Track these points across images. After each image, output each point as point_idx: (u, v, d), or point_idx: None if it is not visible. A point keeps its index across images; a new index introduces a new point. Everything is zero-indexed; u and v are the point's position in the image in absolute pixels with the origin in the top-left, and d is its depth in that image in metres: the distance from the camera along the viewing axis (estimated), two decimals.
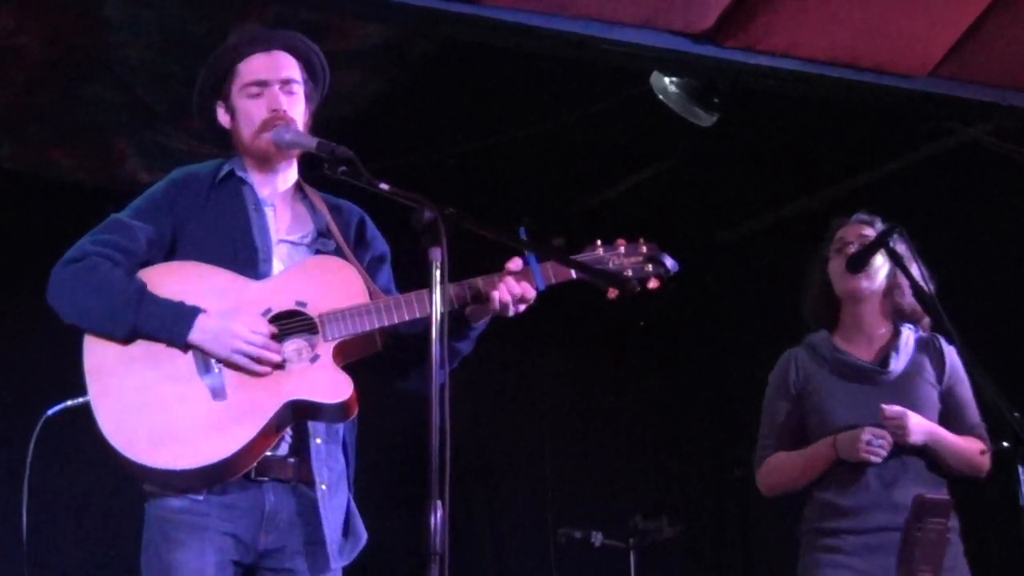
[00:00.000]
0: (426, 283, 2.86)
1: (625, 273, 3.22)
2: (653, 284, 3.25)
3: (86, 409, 3.14)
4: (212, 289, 3.19)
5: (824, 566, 4.02)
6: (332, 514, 3.23)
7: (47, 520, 5.12)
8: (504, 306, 3.18)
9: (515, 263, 3.21)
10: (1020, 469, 3.55)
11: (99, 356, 3.14)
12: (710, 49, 4.77)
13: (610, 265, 3.23)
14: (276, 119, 3.32)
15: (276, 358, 3.13)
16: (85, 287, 3.16)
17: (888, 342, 4.17)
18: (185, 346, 3.14)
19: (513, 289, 3.17)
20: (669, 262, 3.25)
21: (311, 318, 3.18)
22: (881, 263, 4.10)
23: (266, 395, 3.10)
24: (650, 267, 3.24)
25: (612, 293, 3.21)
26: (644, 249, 3.26)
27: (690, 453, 7.28)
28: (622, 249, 3.26)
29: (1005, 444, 3.57)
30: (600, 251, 3.26)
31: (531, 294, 3.19)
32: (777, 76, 4.91)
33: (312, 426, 3.22)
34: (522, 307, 3.21)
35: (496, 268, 3.23)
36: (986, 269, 5.93)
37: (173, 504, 3.15)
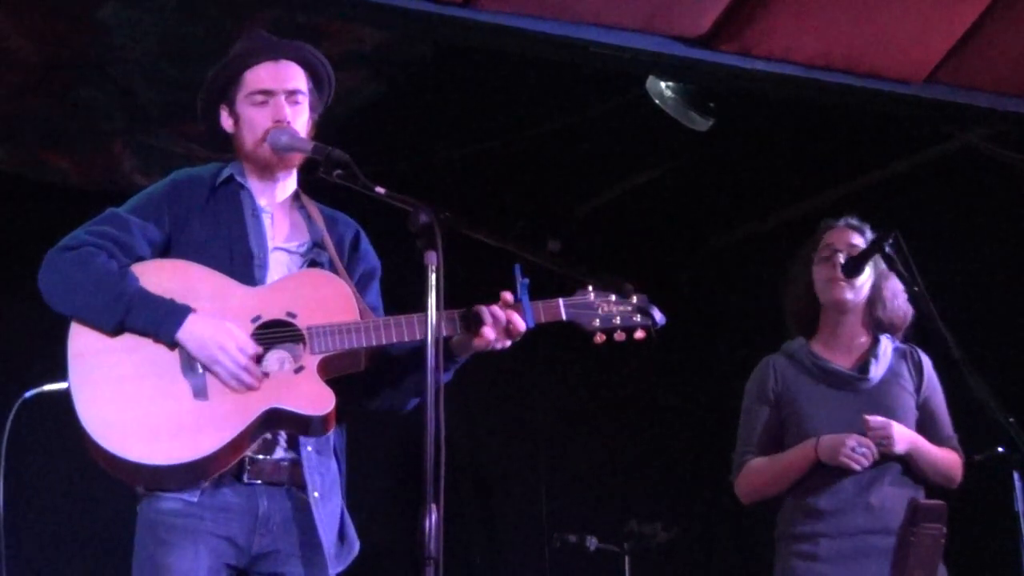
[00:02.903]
0: (420, 288, 2.86)
1: (614, 321, 3.24)
2: (639, 335, 3.27)
3: (65, 394, 3.13)
4: (204, 290, 3.19)
5: (799, 574, 4.02)
6: (327, 520, 3.23)
7: (23, 503, 5.11)
8: (495, 323, 3.17)
9: (506, 296, 3.22)
10: (1015, 475, 3.55)
11: (85, 342, 3.13)
12: (706, 53, 4.78)
13: (600, 311, 3.25)
14: (276, 128, 3.32)
15: (254, 384, 3.12)
16: (79, 276, 3.15)
17: (867, 350, 4.19)
18: (172, 344, 3.13)
19: (498, 316, 3.17)
20: (658, 315, 3.27)
21: (299, 330, 3.17)
22: (866, 275, 4.11)
23: (247, 401, 3.10)
24: (638, 317, 3.26)
25: (599, 338, 3.25)
26: (634, 299, 3.27)
27: (684, 458, 7.29)
28: (612, 297, 3.28)
29: (1000, 449, 3.57)
30: (591, 296, 3.28)
31: (521, 327, 3.19)
32: (773, 81, 4.92)
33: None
34: (509, 342, 3.21)
35: (491, 273, 3.23)
36: (982, 274, 5.93)
37: (166, 506, 3.14)
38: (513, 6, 4.46)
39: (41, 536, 5.73)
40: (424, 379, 2.82)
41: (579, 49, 4.64)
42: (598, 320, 3.24)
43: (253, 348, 3.14)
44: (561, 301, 3.24)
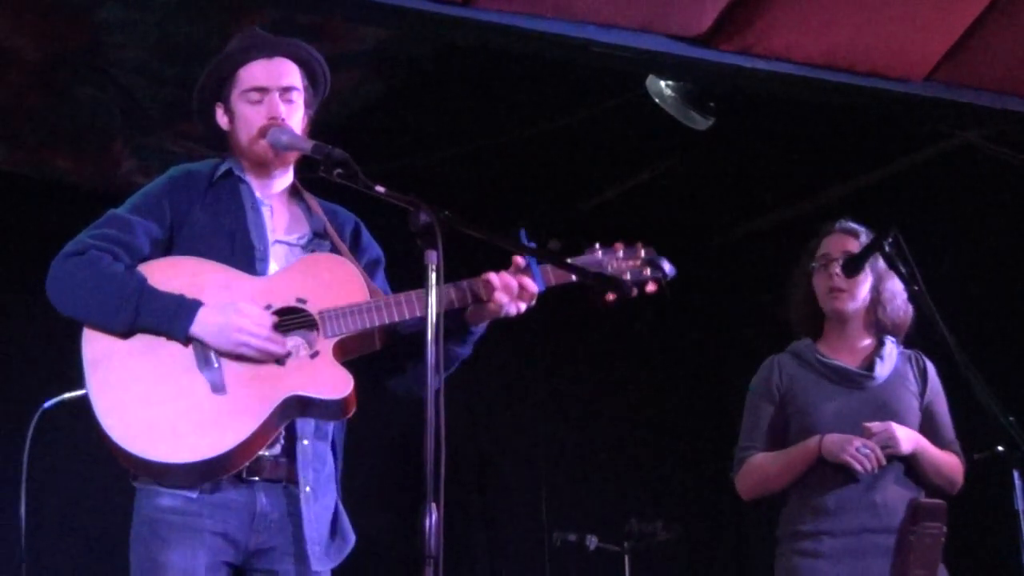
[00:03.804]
0: (422, 286, 2.86)
1: (623, 276, 3.22)
2: (651, 288, 3.25)
3: (83, 402, 3.12)
4: (212, 284, 3.18)
5: (802, 572, 4.02)
6: (317, 516, 3.23)
7: (45, 512, 5.13)
8: (507, 288, 3.16)
9: (518, 260, 3.20)
10: (1015, 474, 3.55)
11: (99, 348, 3.13)
12: (706, 52, 4.78)
13: (608, 269, 3.23)
14: (273, 126, 3.32)
15: (281, 350, 3.13)
16: (85, 281, 3.15)
17: (872, 351, 4.20)
18: (186, 340, 3.12)
19: (509, 282, 3.17)
20: (667, 266, 3.25)
21: (311, 315, 3.17)
22: (864, 278, 4.12)
23: (266, 390, 3.09)
24: (648, 271, 3.25)
25: (610, 297, 3.21)
26: (642, 253, 3.26)
27: (685, 457, 7.29)
28: (620, 252, 3.26)
29: (1000, 448, 3.57)
30: (598, 254, 3.26)
31: (532, 288, 3.18)
32: (773, 80, 4.92)
33: (300, 427, 3.21)
34: (523, 305, 3.21)
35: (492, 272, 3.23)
36: (981, 273, 5.93)
37: (164, 503, 3.14)
38: (513, 5, 4.46)
39: (63, 546, 5.74)
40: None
41: (579, 48, 4.64)
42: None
43: (269, 319, 3.14)
44: (569, 261, 3.22)
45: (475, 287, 3.19)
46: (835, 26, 4.77)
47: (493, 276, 3.18)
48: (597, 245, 3.25)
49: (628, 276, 3.23)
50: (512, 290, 3.17)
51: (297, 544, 3.20)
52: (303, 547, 3.19)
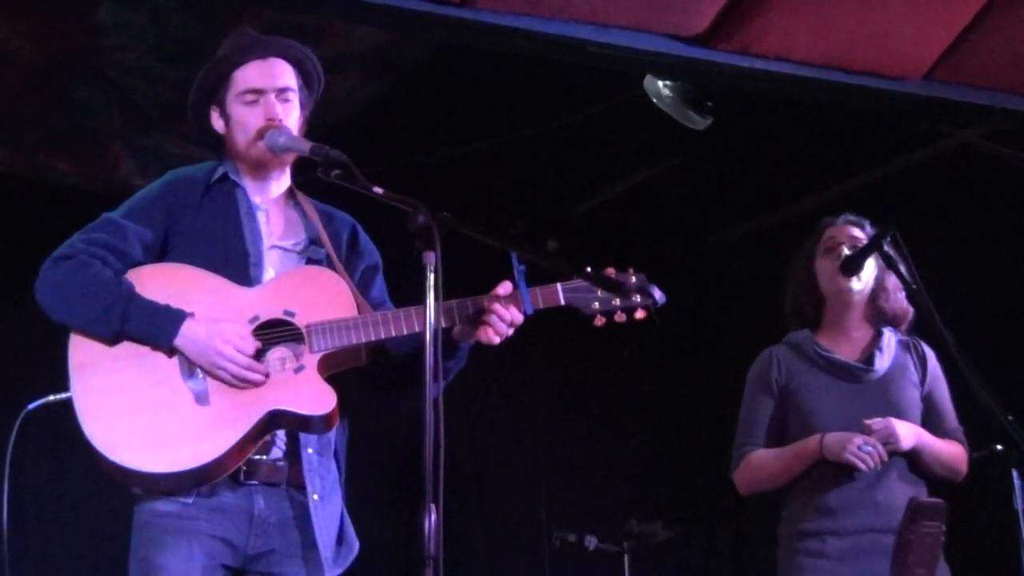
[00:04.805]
0: (420, 288, 2.86)
1: (613, 303, 3.21)
2: (640, 315, 3.24)
3: (68, 404, 3.13)
4: (201, 294, 3.19)
5: (806, 571, 4.02)
6: (326, 523, 3.23)
7: (27, 514, 5.11)
8: (497, 333, 3.17)
9: (504, 287, 3.20)
10: (1014, 472, 3.55)
11: (84, 354, 3.13)
12: (703, 52, 4.78)
13: (598, 294, 3.22)
14: (270, 127, 3.31)
15: (259, 379, 3.12)
16: (74, 286, 3.15)
17: (870, 342, 4.18)
18: (170, 351, 3.13)
19: (503, 315, 3.17)
20: (657, 294, 3.25)
21: (298, 328, 3.17)
22: (870, 267, 4.11)
23: (249, 403, 3.10)
24: (638, 297, 3.24)
25: (599, 321, 3.22)
26: (633, 279, 3.25)
27: (684, 457, 7.29)
28: (611, 278, 3.26)
29: (999, 447, 3.57)
30: None
31: (519, 319, 3.19)
32: (771, 79, 4.92)
33: (303, 435, 3.22)
34: (510, 332, 3.20)
35: (490, 273, 3.22)
36: (979, 272, 5.93)
37: (161, 507, 3.14)
38: (511, 6, 4.46)
39: (47, 547, 5.73)
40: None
41: (577, 48, 4.64)
42: (597, 303, 3.22)
43: (252, 345, 3.13)
44: (559, 285, 3.22)
45: (463, 308, 3.18)
46: (833, 25, 4.77)
47: (485, 301, 3.18)
48: (588, 269, 3.25)
49: (617, 302, 3.22)
50: (503, 319, 3.17)
51: (306, 549, 3.20)
52: (315, 553, 3.20)
